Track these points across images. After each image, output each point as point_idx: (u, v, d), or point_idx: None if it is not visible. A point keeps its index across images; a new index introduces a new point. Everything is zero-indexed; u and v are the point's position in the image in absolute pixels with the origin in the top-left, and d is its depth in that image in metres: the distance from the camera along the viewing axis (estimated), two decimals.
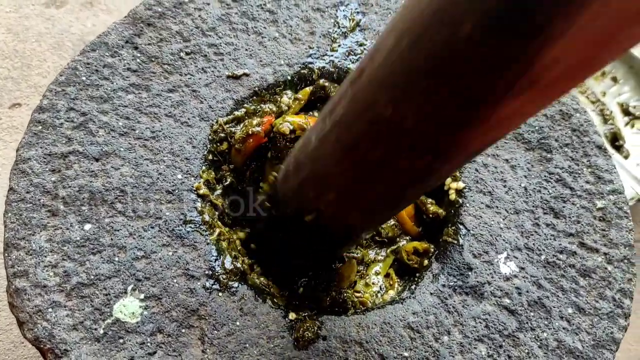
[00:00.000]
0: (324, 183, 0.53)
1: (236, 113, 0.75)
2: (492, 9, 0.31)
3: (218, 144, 0.73)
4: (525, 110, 0.38)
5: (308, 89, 0.79)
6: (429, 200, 0.77)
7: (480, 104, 0.36)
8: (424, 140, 0.42)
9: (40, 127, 0.68)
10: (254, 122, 0.74)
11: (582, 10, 0.29)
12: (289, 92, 0.79)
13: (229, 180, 0.75)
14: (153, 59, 0.76)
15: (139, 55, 0.76)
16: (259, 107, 0.77)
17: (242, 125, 0.75)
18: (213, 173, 0.72)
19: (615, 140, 1.40)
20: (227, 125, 0.74)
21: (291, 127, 0.72)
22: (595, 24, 0.29)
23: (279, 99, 0.78)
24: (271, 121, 0.75)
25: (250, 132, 0.74)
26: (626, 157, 1.37)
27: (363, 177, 0.49)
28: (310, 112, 0.81)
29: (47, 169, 0.66)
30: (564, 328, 0.65)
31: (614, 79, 1.51)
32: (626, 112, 1.46)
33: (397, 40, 0.38)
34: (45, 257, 0.61)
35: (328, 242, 0.62)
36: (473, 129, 0.39)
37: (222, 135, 0.73)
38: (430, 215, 0.75)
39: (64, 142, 0.68)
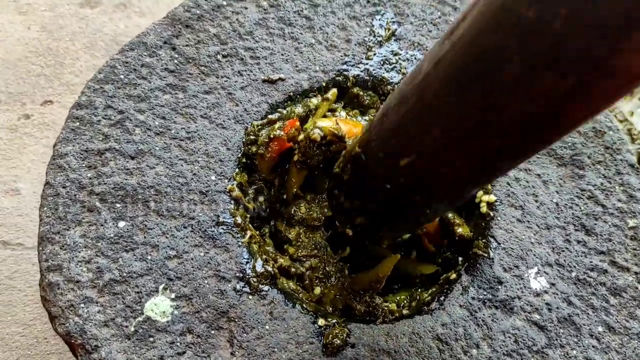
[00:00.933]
0: (431, 115, 0.45)
1: (271, 117, 0.75)
2: None
3: (249, 147, 0.73)
4: None
5: (336, 90, 0.79)
6: (457, 221, 0.74)
7: None
8: (571, 48, 0.34)
9: (78, 124, 0.69)
10: (276, 125, 0.74)
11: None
12: (319, 97, 0.79)
13: (258, 186, 0.75)
14: (190, 60, 0.76)
15: (176, 56, 0.76)
16: (291, 110, 0.77)
17: (265, 130, 0.74)
18: (246, 176, 0.72)
19: None
20: (262, 130, 0.74)
21: (322, 134, 0.71)
22: None
23: (309, 101, 0.78)
24: (294, 124, 0.74)
25: (272, 136, 0.73)
26: None
27: (482, 106, 0.40)
28: (337, 113, 0.80)
29: (83, 165, 0.66)
30: (593, 346, 0.64)
31: None
32: None
33: None
34: (79, 252, 0.61)
35: (412, 204, 0.54)
36: None
37: (253, 137, 0.73)
38: (457, 238, 0.73)
39: (100, 139, 0.68)
